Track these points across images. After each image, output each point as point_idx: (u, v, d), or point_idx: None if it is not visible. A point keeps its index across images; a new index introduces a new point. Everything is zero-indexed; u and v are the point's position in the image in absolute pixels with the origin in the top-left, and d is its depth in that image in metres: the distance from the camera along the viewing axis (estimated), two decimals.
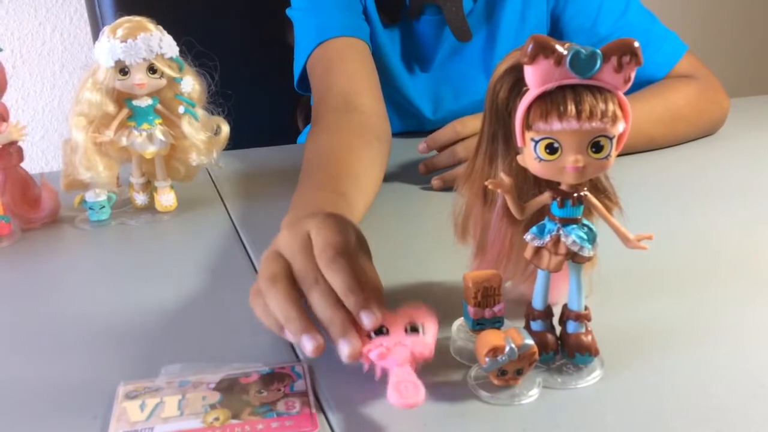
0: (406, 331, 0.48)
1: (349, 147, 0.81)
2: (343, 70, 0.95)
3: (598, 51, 0.43)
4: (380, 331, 0.48)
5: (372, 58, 0.99)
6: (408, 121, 1.12)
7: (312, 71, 0.98)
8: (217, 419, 0.47)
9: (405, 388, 0.45)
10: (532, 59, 0.43)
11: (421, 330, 0.49)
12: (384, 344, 0.47)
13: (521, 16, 1.05)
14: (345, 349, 0.47)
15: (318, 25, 0.98)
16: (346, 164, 0.77)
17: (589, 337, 0.50)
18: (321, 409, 0.48)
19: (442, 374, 0.51)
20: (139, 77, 0.75)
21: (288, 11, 1.04)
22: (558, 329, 0.51)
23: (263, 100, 1.04)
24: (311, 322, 0.49)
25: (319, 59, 0.97)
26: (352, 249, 0.52)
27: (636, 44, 0.43)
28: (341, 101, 0.91)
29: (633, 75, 0.44)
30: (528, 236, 0.49)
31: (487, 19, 1.06)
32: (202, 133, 0.80)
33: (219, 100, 0.82)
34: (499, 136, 0.50)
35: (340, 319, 0.48)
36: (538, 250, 0.49)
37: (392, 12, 1.03)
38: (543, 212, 0.49)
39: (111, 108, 0.76)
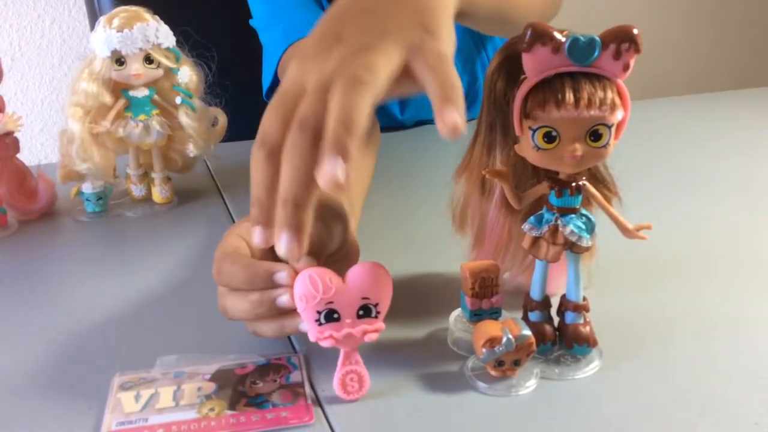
0: (358, 315, 0.46)
1: None
2: None
3: (597, 38, 0.43)
4: (330, 316, 0.45)
5: None
6: (380, 119, 1.09)
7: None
8: (212, 410, 0.46)
9: (350, 381, 0.47)
10: (530, 47, 0.43)
11: (373, 311, 0.46)
12: (333, 335, 0.46)
13: None
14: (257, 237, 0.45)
15: (284, 29, 0.97)
16: None
17: (588, 328, 0.50)
18: (317, 400, 0.48)
19: (439, 365, 0.51)
20: (136, 67, 0.74)
21: (251, 22, 1.03)
22: (556, 320, 0.51)
23: (261, 92, 1.04)
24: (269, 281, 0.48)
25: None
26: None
27: (635, 31, 0.42)
28: None
29: (632, 62, 0.43)
30: (526, 226, 0.48)
31: None
32: (200, 124, 0.79)
33: (216, 90, 0.82)
34: (497, 125, 0.50)
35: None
36: (536, 240, 0.48)
37: None
38: (541, 202, 0.49)
39: (107, 98, 0.76)
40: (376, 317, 0.46)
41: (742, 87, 1.32)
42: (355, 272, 0.46)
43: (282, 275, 0.47)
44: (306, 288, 0.45)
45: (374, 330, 0.46)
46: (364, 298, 0.45)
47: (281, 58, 0.96)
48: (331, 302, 0.45)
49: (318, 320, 0.45)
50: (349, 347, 0.47)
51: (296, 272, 0.47)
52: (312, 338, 0.46)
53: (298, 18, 0.97)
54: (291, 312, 0.48)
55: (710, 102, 1.24)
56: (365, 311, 0.46)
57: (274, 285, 0.48)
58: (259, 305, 0.48)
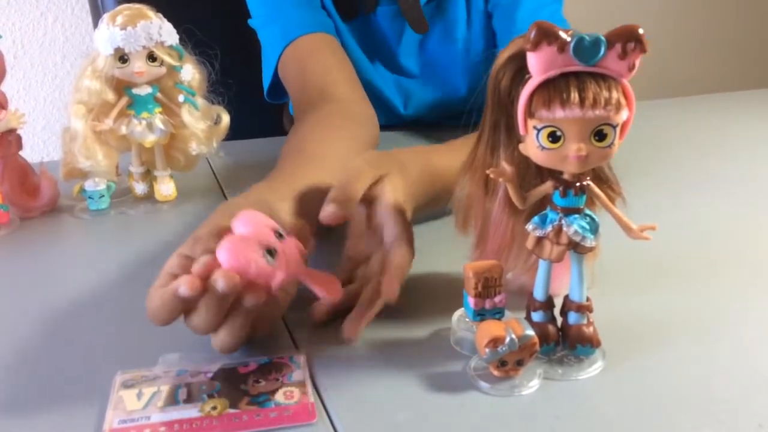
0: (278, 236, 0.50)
1: (319, 134, 0.78)
2: (316, 65, 0.93)
3: (602, 37, 0.43)
4: (270, 252, 0.48)
5: (343, 50, 0.98)
6: (383, 116, 1.09)
7: (284, 74, 0.96)
8: (214, 408, 0.46)
9: (327, 283, 0.51)
10: (535, 46, 0.43)
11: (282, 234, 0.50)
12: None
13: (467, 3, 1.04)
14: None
15: (282, 27, 0.96)
16: (317, 145, 0.74)
17: (591, 329, 0.50)
18: (319, 399, 0.48)
19: (442, 365, 0.50)
20: (139, 65, 0.74)
21: (250, 22, 1.02)
22: (559, 320, 0.51)
23: (264, 90, 1.04)
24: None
25: (290, 60, 0.95)
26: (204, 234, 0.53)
27: (641, 31, 0.42)
28: (317, 95, 0.89)
29: (637, 62, 0.43)
30: (529, 226, 0.48)
31: (441, 9, 1.04)
32: (202, 123, 0.79)
33: (219, 89, 0.81)
34: (501, 125, 0.50)
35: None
36: (539, 240, 0.48)
37: (348, 6, 1.02)
38: (545, 202, 0.49)
39: (110, 96, 0.76)
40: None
41: (745, 88, 1.31)
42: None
43: (183, 289, 0.47)
44: (238, 262, 0.47)
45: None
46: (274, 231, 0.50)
47: (280, 57, 0.96)
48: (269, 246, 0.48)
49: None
50: (300, 269, 0.50)
51: (200, 279, 0.47)
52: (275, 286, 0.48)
53: (295, 16, 0.97)
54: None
55: (714, 103, 1.24)
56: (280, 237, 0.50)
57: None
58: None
